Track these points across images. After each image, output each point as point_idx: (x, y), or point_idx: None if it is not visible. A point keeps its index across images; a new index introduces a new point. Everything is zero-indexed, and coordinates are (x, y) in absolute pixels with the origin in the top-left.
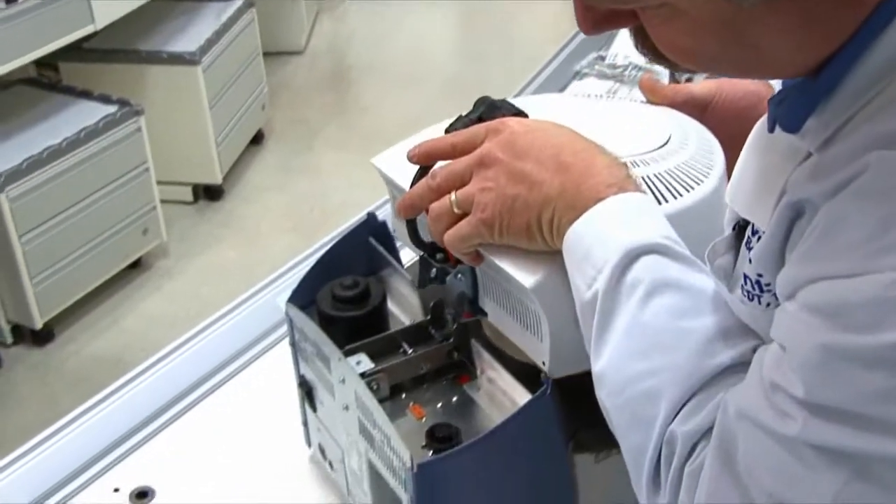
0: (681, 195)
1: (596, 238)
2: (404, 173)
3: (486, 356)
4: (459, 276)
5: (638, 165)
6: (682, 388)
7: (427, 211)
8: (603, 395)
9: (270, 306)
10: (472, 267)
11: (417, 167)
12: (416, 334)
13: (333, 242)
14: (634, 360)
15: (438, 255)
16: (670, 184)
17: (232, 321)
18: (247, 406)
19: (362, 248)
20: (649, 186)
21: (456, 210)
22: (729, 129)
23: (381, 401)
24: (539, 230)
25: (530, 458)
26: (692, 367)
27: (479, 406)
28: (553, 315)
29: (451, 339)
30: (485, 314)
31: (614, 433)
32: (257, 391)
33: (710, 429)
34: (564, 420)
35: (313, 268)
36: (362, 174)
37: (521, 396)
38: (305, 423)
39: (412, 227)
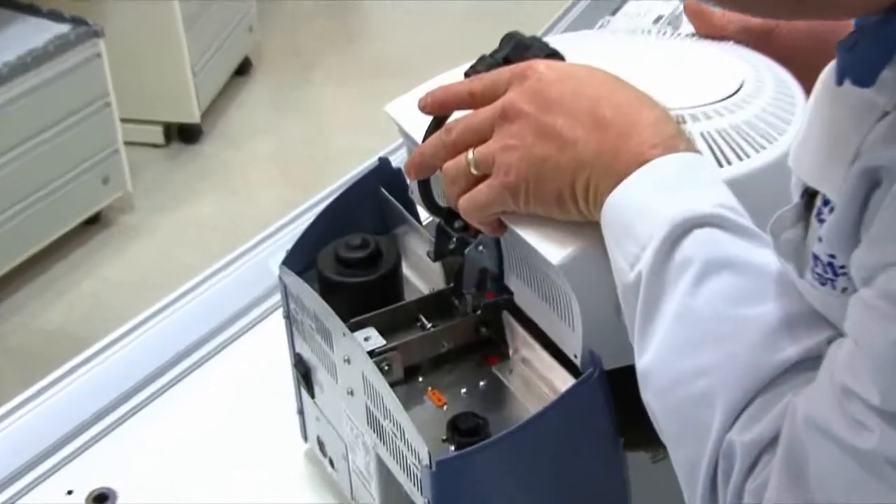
0: (748, 156)
1: (639, 208)
2: (423, 125)
3: (521, 332)
4: (481, 247)
5: (698, 119)
6: (741, 389)
7: (441, 170)
8: (649, 396)
9: (260, 271)
10: (497, 238)
11: (431, 118)
12: (436, 305)
13: (337, 194)
14: (685, 356)
15: (457, 223)
16: (736, 142)
17: (212, 289)
18: (230, 391)
19: (372, 201)
20: (709, 146)
21: (474, 171)
22: (794, 68)
23: (393, 385)
24: (572, 198)
25: (574, 455)
26: (753, 363)
27: (512, 392)
28: (586, 298)
29: (479, 312)
30: (510, 294)
31: (663, 441)
32: (242, 373)
33: (775, 438)
34: (616, 410)
35: (313, 224)
36: (370, 114)
37: (564, 381)
38: (301, 412)
39: (425, 188)
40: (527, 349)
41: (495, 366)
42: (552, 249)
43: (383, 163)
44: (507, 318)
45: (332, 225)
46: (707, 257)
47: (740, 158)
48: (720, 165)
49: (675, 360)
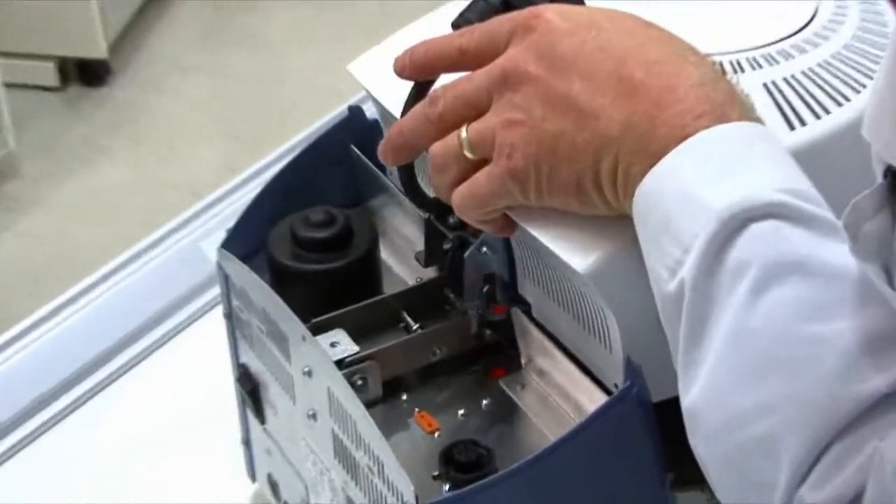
0: (828, 111)
1: (680, 198)
2: (398, 91)
3: (536, 335)
4: (485, 249)
5: (758, 66)
6: (813, 433)
7: (427, 153)
8: (697, 441)
9: (191, 256)
10: (505, 237)
11: (411, 84)
12: (424, 300)
13: (294, 154)
14: (741, 390)
15: (452, 219)
16: (810, 93)
17: (125, 282)
18: (149, 417)
19: (340, 164)
20: (774, 100)
21: (469, 155)
22: None
23: (369, 405)
24: (595, 187)
25: (607, 497)
26: (829, 398)
27: (524, 414)
28: (626, 313)
29: (481, 309)
30: (527, 305)
31: (717, 496)
32: (167, 393)
33: (859, 497)
34: (663, 438)
35: (262, 194)
36: (340, 46)
37: (593, 399)
38: (247, 443)
39: (408, 175)
40: (544, 358)
41: (503, 379)
42: (576, 253)
43: (355, 113)
44: (519, 318)
45: (287, 195)
46: (768, 259)
47: (817, 116)
48: (790, 127)
49: (728, 396)
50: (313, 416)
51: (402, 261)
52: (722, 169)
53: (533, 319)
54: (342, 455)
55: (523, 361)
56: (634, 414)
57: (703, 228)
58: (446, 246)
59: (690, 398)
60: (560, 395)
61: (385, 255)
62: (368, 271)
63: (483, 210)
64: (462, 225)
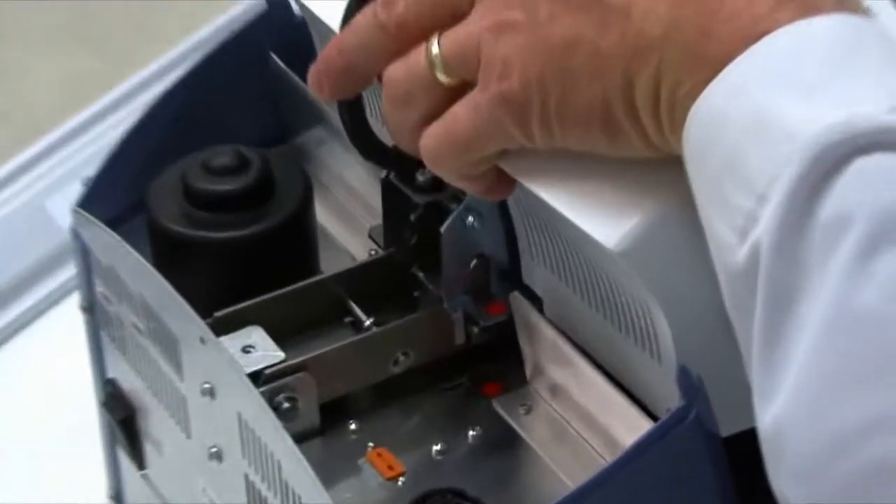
0: None
1: (752, 125)
2: None
3: (548, 333)
4: (472, 219)
5: None
6: None
7: (380, 80)
8: (782, 479)
9: (31, 219)
10: (501, 201)
11: None
12: (382, 283)
13: (186, 68)
14: (847, 399)
15: (420, 176)
16: None
17: None
18: None
19: (254, 83)
20: None
21: (443, 78)
22: None
23: (301, 438)
24: (629, 114)
25: None
26: None
27: (530, 448)
28: (678, 305)
29: (468, 308)
30: (536, 300)
31: None
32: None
33: None
34: (730, 477)
35: (137, 128)
36: None
37: (631, 426)
38: (117, 499)
39: (354, 115)
40: (560, 367)
41: (498, 399)
42: (603, 222)
43: (276, 6)
44: (522, 308)
45: (175, 129)
46: (881, 209)
47: None
48: None
49: (829, 409)
50: (217, 456)
51: (348, 225)
52: (813, 80)
53: (543, 313)
54: None
55: (528, 372)
56: (694, 443)
57: (787, 167)
58: (414, 217)
59: (772, 416)
60: (582, 422)
61: (323, 216)
62: (298, 241)
63: (466, 159)
64: (436, 185)
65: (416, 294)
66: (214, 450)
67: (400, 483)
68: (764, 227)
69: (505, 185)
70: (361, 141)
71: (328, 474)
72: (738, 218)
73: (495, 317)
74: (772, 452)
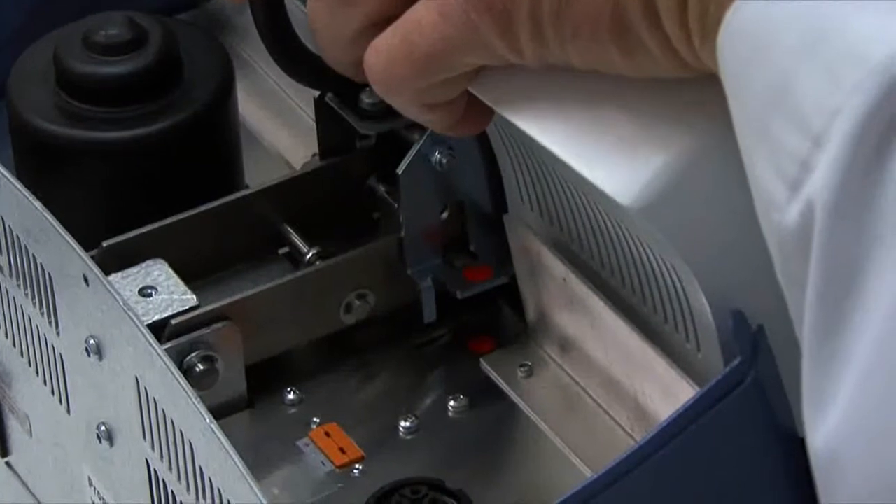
0: None
1: (804, 38)
2: None
3: (557, 267)
4: (439, 156)
5: None
6: None
7: None
8: (842, 496)
9: None
10: (479, 134)
11: None
12: (328, 200)
13: None
14: None
15: (368, 98)
16: None
17: None
18: None
19: None
20: None
21: None
22: None
23: (222, 411)
24: (648, 18)
25: None
26: None
27: (530, 421)
28: (720, 274)
29: (439, 274)
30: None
31: None
32: None
33: None
34: (802, 457)
35: None
36: None
37: (670, 392)
38: None
39: (271, 13)
40: (572, 312)
41: (487, 357)
42: (614, 170)
43: None
44: (518, 230)
45: None
46: None
47: None
48: None
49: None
50: (106, 436)
51: (282, 120)
52: None
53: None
54: None
55: (530, 322)
56: (755, 412)
57: (853, 98)
58: (359, 143)
59: (825, 434)
60: (601, 387)
61: (248, 108)
62: (214, 144)
63: (428, 81)
64: (389, 109)
65: (375, 216)
66: (103, 428)
67: (355, 472)
68: (821, 181)
69: (479, 116)
70: (284, 52)
71: (259, 460)
72: (790, 165)
73: (477, 284)
74: (827, 474)
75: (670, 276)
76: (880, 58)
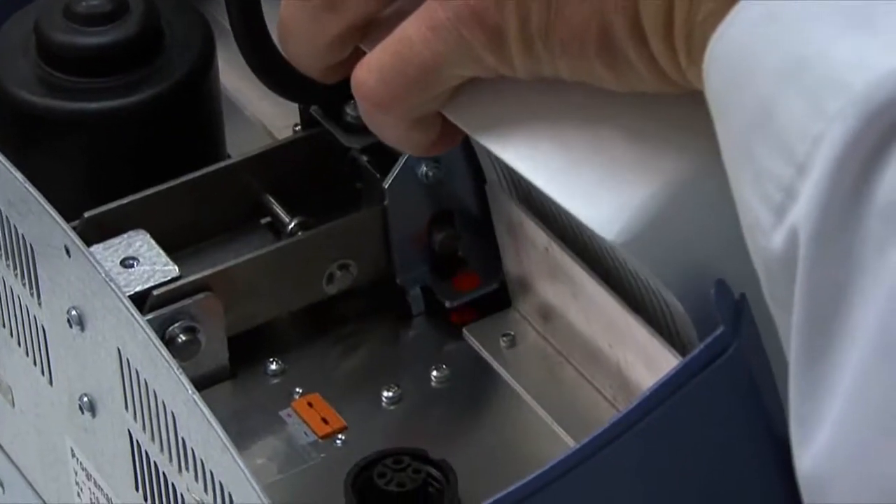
0: None
1: (788, 63)
2: None
3: (539, 236)
4: (426, 169)
5: None
6: None
7: None
8: None
9: None
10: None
11: None
12: (312, 170)
13: None
14: None
15: (351, 111)
16: None
17: None
18: None
19: None
20: None
21: None
22: None
23: (204, 381)
24: (634, 36)
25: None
26: None
27: (514, 394)
28: (703, 301)
29: (428, 283)
30: (519, 188)
31: None
32: None
33: None
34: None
35: None
36: None
37: (653, 362)
38: None
39: (248, 18)
40: (555, 282)
41: (470, 326)
42: (598, 203)
43: None
44: (499, 199)
45: None
46: None
47: None
48: None
49: (886, 450)
50: (89, 407)
51: (265, 90)
52: (874, 7)
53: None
54: (148, 481)
55: (512, 291)
56: (738, 381)
57: (835, 126)
58: (346, 168)
59: (812, 457)
60: (584, 357)
61: (229, 78)
62: (195, 114)
63: (420, 95)
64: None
65: (357, 186)
66: (85, 399)
67: (338, 443)
68: (804, 209)
69: (454, 131)
70: (263, 62)
71: (242, 431)
72: (774, 191)
73: (466, 293)
74: (812, 495)
75: (656, 297)
76: (862, 85)
